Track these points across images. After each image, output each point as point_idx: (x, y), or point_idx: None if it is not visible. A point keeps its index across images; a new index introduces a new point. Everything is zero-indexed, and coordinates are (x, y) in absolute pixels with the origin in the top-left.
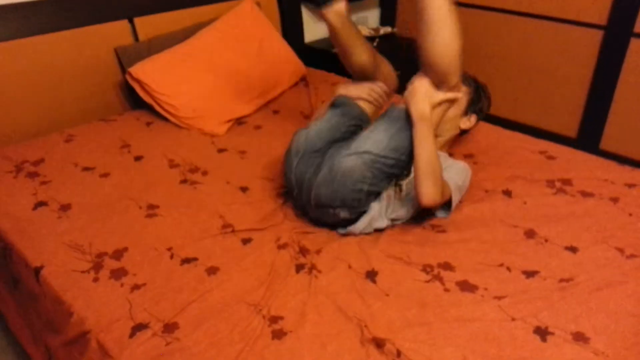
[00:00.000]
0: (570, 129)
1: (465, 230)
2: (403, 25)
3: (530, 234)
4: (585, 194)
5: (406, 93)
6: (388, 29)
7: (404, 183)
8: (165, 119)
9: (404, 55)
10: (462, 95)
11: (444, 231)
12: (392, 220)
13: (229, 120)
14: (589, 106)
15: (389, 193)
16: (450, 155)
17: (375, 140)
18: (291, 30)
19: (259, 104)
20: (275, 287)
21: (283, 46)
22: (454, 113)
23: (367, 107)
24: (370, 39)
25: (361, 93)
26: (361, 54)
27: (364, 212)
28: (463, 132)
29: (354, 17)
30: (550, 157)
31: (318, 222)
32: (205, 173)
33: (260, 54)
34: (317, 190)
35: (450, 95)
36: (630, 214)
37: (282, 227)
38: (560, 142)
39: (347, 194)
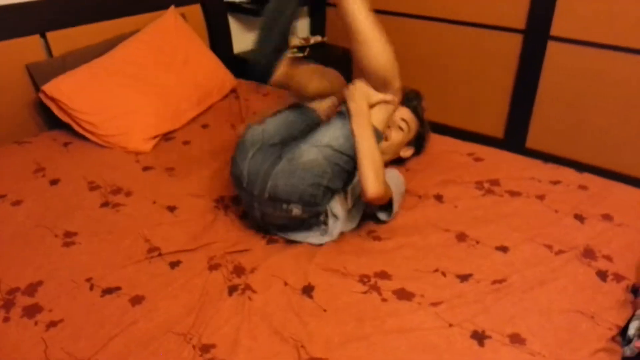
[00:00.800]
0: (497, 129)
1: (400, 237)
2: (333, 34)
3: (461, 237)
4: (512, 194)
5: (346, 91)
6: (318, 38)
7: (349, 188)
8: (85, 139)
9: (336, 63)
10: (406, 115)
11: (379, 239)
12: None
13: (155, 137)
14: (514, 107)
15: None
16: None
17: (333, 136)
18: (219, 41)
19: (187, 118)
20: (206, 312)
21: (210, 58)
22: (401, 139)
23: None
24: (301, 48)
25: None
26: (317, 87)
27: (315, 213)
28: (400, 160)
29: None
30: (479, 159)
31: (258, 230)
32: (129, 194)
33: (187, 66)
34: (275, 182)
35: (388, 97)
36: (556, 211)
37: (214, 246)
38: (488, 143)
39: (306, 189)
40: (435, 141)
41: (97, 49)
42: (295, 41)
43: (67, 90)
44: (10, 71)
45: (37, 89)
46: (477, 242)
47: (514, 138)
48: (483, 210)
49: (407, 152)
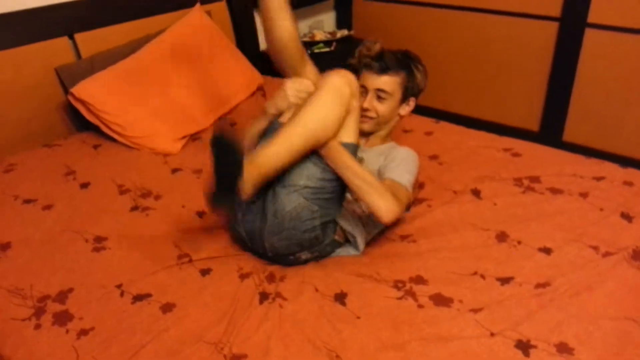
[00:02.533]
0: (532, 122)
1: (435, 238)
2: (360, 28)
3: (502, 236)
4: (554, 191)
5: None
6: (345, 32)
7: (350, 200)
8: (114, 140)
9: None
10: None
11: (413, 241)
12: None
13: (183, 137)
14: (550, 98)
15: (355, 211)
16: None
17: (308, 175)
18: (245, 38)
19: (215, 118)
20: (237, 321)
21: (237, 55)
22: (390, 106)
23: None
24: (327, 42)
25: (290, 99)
26: (284, 21)
27: (328, 244)
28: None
29: (310, 21)
30: (516, 155)
31: None
32: (158, 197)
33: (213, 64)
34: (269, 241)
35: (350, 106)
36: (601, 209)
37: (244, 256)
38: (523, 137)
39: (302, 237)
40: (469, 136)
41: (124, 49)
42: (320, 35)
43: (95, 93)
44: (40, 74)
45: (66, 91)
46: (519, 243)
47: (550, 131)
48: (523, 209)
49: (406, 109)
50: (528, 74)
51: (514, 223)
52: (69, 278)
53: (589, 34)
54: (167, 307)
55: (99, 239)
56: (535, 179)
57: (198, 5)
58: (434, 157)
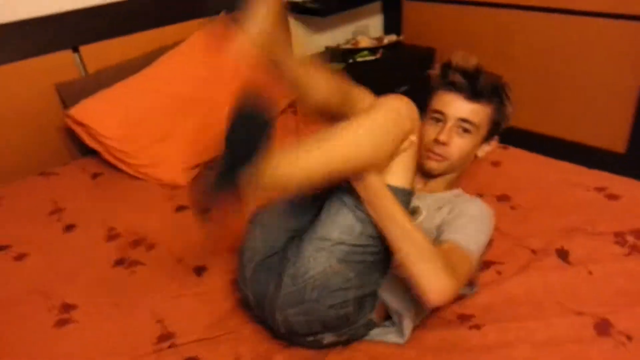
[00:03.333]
0: (618, 142)
1: (507, 323)
2: (410, 33)
3: (603, 326)
4: None
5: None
6: (393, 37)
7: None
8: (117, 169)
9: (412, 67)
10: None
11: (476, 326)
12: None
13: (195, 166)
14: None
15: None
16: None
17: (345, 226)
18: None
19: None
20: None
21: (267, 67)
22: (473, 143)
23: None
24: (373, 50)
25: None
26: (318, 90)
27: (361, 325)
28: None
29: (353, 26)
30: (613, 197)
31: None
32: (151, 247)
33: (236, 80)
34: (283, 314)
35: (404, 144)
36: None
37: (243, 335)
38: (605, 159)
39: (327, 313)
40: (549, 168)
41: (134, 64)
42: (365, 42)
43: (96, 114)
44: (42, 91)
45: None
46: (629, 339)
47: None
48: (631, 281)
49: (487, 149)
50: (614, 84)
51: (620, 305)
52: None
53: None
54: None
55: (66, 308)
56: None
57: (223, 13)
58: (503, 199)
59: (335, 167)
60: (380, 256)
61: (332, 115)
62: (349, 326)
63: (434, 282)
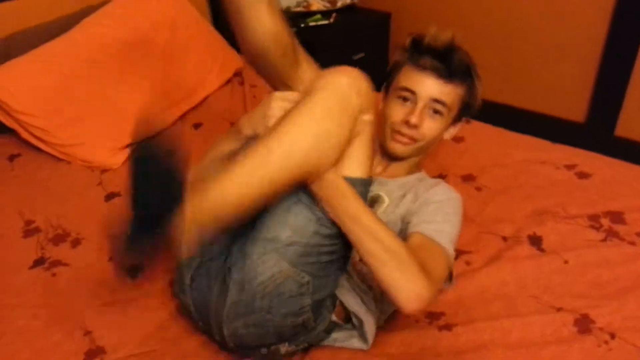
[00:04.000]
0: (578, 112)
1: (480, 323)
2: None
3: (583, 323)
4: None
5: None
6: (347, 0)
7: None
8: (37, 149)
9: (368, 32)
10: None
11: (446, 327)
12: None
13: (127, 146)
14: (600, 84)
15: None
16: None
17: (296, 224)
18: (222, 10)
19: (174, 117)
20: None
21: (208, 32)
22: (443, 126)
23: None
24: (325, 13)
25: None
26: (264, 25)
27: (320, 333)
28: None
29: None
30: (583, 175)
31: None
32: (76, 243)
33: (174, 47)
34: (232, 326)
35: (357, 129)
36: None
37: (185, 348)
38: (565, 130)
39: (282, 323)
40: (514, 144)
41: (53, 27)
42: (317, 4)
43: (9, 86)
44: None
45: None
46: (612, 337)
47: (599, 123)
48: (609, 271)
49: (452, 132)
50: (574, 53)
51: (599, 298)
52: None
53: None
54: None
55: None
56: (617, 217)
57: None
58: (468, 179)
59: (276, 178)
60: (337, 255)
61: (270, 73)
62: (308, 334)
63: (408, 288)
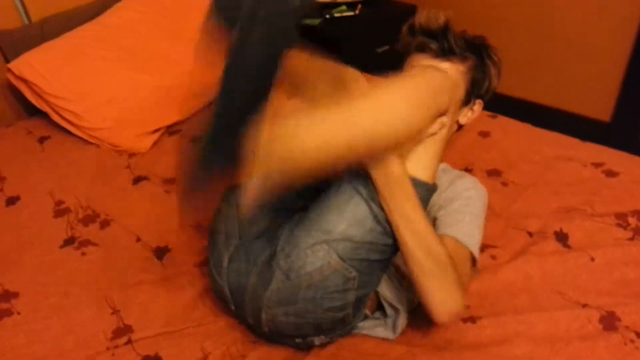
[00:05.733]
0: (603, 111)
1: (504, 317)
2: None
3: (609, 320)
4: None
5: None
6: None
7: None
8: (68, 132)
9: (393, 24)
10: (457, 78)
11: (471, 319)
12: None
13: (156, 130)
14: (628, 82)
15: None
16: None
17: (353, 220)
18: None
19: (200, 104)
20: None
21: None
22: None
23: None
24: (351, 5)
25: None
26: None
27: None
28: (460, 127)
29: None
30: (611, 174)
31: None
32: (105, 224)
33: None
34: (271, 313)
35: (431, 128)
36: None
37: (211, 329)
38: (590, 128)
39: (323, 316)
40: (542, 140)
41: (86, 11)
42: None
43: (41, 69)
44: None
45: None
46: (638, 335)
47: (624, 123)
48: (636, 269)
49: (469, 115)
50: (602, 51)
51: (625, 296)
52: None
53: None
54: None
55: (6, 296)
56: None
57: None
58: (494, 174)
59: (356, 144)
60: (387, 255)
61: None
62: (344, 328)
63: (444, 303)
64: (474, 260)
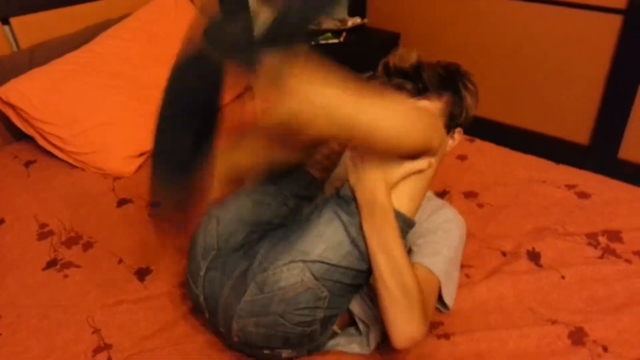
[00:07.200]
0: (582, 134)
1: (479, 333)
2: (375, 16)
3: (577, 335)
4: None
5: (349, 172)
6: (357, 20)
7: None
8: (53, 156)
9: (377, 52)
10: (436, 114)
11: (445, 335)
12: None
13: (141, 154)
14: (605, 106)
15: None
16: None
17: (331, 242)
18: None
19: None
20: None
21: None
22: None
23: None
24: (336, 32)
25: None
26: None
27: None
28: None
29: None
30: (584, 195)
31: None
32: (88, 246)
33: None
34: (242, 322)
35: (420, 164)
36: None
37: (191, 347)
38: (569, 151)
39: (292, 330)
40: (517, 163)
41: (74, 39)
42: (328, 23)
43: (29, 94)
44: None
45: None
46: (605, 350)
47: (603, 146)
48: (605, 286)
49: (449, 144)
50: (580, 76)
51: (594, 313)
52: None
53: None
54: None
55: None
56: (615, 236)
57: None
58: (470, 195)
59: (362, 123)
60: (359, 281)
61: None
62: (310, 344)
63: (406, 331)
64: (444, 304)
